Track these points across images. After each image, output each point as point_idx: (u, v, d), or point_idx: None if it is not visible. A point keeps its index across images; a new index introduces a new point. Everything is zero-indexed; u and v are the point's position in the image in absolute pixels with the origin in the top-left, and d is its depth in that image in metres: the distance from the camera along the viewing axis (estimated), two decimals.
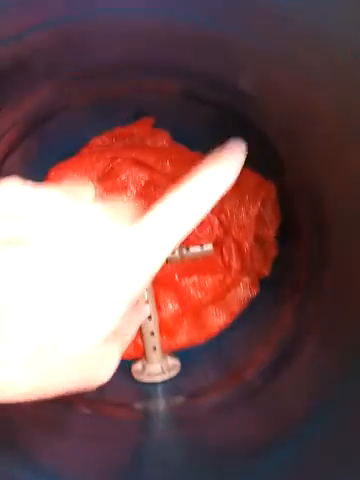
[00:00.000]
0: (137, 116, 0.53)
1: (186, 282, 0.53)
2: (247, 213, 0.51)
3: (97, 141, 0.53)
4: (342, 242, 0.41)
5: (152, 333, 0.50)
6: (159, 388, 0.49)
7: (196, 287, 0.53)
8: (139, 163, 0.51)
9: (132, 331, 0.30)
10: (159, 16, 0.33)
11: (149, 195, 0.53)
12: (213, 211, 0.51)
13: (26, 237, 0.20)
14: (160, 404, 0.48)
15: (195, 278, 0.53)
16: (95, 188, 0.24)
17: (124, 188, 0.51)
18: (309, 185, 0.45)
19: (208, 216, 0.51)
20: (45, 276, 0.20)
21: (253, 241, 0.52)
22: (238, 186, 0.51)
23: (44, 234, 0.21)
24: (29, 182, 0.23)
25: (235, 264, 0.52)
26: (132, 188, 0.52)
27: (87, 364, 0.22)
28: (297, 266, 0.50)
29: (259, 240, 0.53)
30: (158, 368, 0.49)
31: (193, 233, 0.52)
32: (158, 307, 0.51)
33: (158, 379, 0.49)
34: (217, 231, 0.52)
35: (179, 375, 0.49)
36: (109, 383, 0.51)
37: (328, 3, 0.25)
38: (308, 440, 0.32)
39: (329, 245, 0.43)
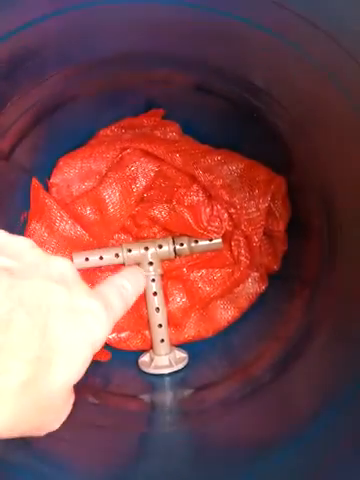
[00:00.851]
0: (147, 108, 0.52)
1: (195, 275, 0.53)
2: (257, 207, 0.50)
3: (107, 131, 0.53)
4: (352, 238, 0.41)
5: (160, 325, 0.50)
6: (166, 380, 0.49)
7: (204, 281, 0.53)
8: (148, 154, 0.51)
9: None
10: (172, 5, 0.33)
11: (158, 187, 0.53)
12: (222, 205, 0.51)
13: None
14: (167, 396, 0.48)
15: (204, 272, 0.53)
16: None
17: (133, 179, 0.51)
18: (320, 181, 0.44)
19: (217, 209, 0.51)
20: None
21: (263, 236, 0.51)
22: (248, 180, 0.51)
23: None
24: None
25: (244, 258, 0.52)
26: (141, 179, 0.51)
27: (56, 405, 0.23)
28: (307, 261, 0.49)
29: (269, 235, 0.52)
30: (166, 360, 0.49)
31: (202, 226, 0.52)
32: (166, 300, 0.51)
33: (165, 371, 0.49)
34: (226, 225, 0.52)
35: (186, 368, 0.49)
36: (116, 374, 0.51)
37: None
38: (316, 437, 0.32)
39: (339, 240, 0.43)
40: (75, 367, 0.22)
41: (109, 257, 0.50)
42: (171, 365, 0.49)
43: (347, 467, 0.29)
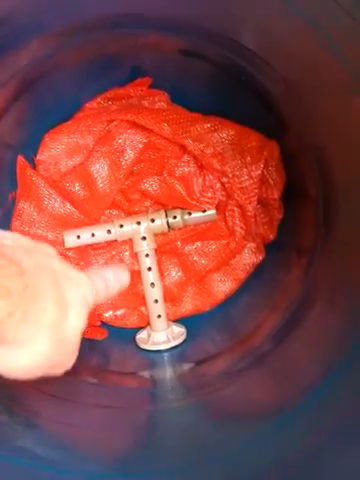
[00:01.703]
0: (134, 77, 0.50)
1: (189, 248, 0.52)
2: (250, 175, 0.49)
3: (93, 104, 0.51)
4: (348, 203, 0.40)
5: (156, 301, 0.49)
6: (165, 356, 0.48)
7: (200, 253, 0.51)
8: (136, 125, 0.49)
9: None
10: None
11: (148, 159, 0.52)
12: (214, 174, 0.50)
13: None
14: (167, 372, 0.48)
15: (198, 244, 0.52)
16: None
17: (121, 152, 0.50)
18: (314, 145, 0.43)
19: (209, 179, 0.50)
20: None
21: (257, 204, 0.50)
22: (240, 147, 0.50)
23: None
24: None
25: (239, 229, 0.51)
26: (129, 151, 0.50)
27: (70, 349, 0.28)
28: (303, 229, 0.48)
29: (263, 203, 0.51)
30: (163, 336, 0.49)
31: (194, 197, 0.50)
32: (161, 274, 0.50)
33: (163, 347, 0.48)
34: (219, 195, 0.50)
35: (185, 343, 0.49)
36: (114, 353, 0.51)
37: None
38: (318, 404, 0.31)
39: (335, 206, 0.42)
40: (81, 316, 0.28)
41: (101, 234, 0.49)
42: (169, 341, 0.48)
43: (347, 432, 0.29)
